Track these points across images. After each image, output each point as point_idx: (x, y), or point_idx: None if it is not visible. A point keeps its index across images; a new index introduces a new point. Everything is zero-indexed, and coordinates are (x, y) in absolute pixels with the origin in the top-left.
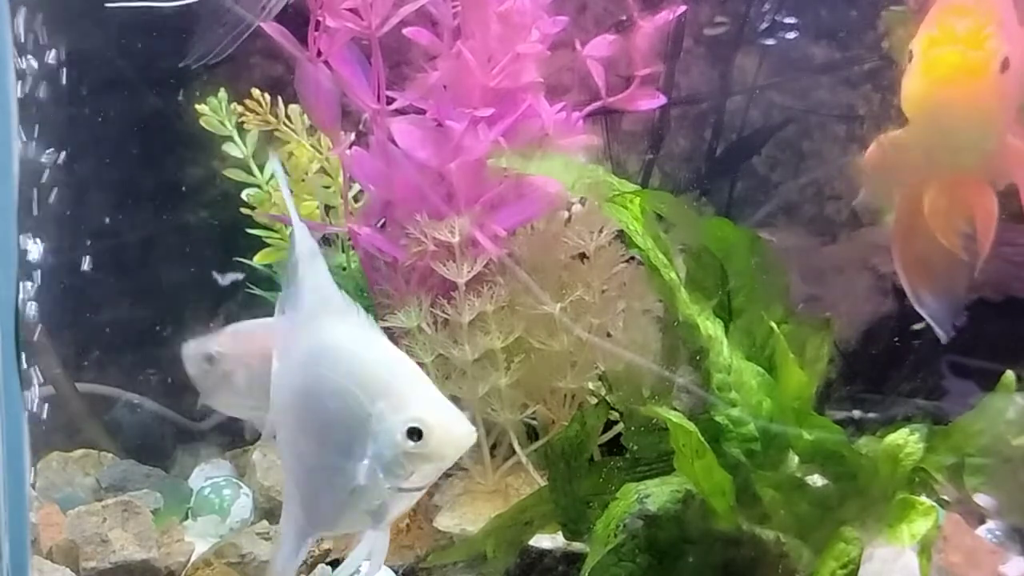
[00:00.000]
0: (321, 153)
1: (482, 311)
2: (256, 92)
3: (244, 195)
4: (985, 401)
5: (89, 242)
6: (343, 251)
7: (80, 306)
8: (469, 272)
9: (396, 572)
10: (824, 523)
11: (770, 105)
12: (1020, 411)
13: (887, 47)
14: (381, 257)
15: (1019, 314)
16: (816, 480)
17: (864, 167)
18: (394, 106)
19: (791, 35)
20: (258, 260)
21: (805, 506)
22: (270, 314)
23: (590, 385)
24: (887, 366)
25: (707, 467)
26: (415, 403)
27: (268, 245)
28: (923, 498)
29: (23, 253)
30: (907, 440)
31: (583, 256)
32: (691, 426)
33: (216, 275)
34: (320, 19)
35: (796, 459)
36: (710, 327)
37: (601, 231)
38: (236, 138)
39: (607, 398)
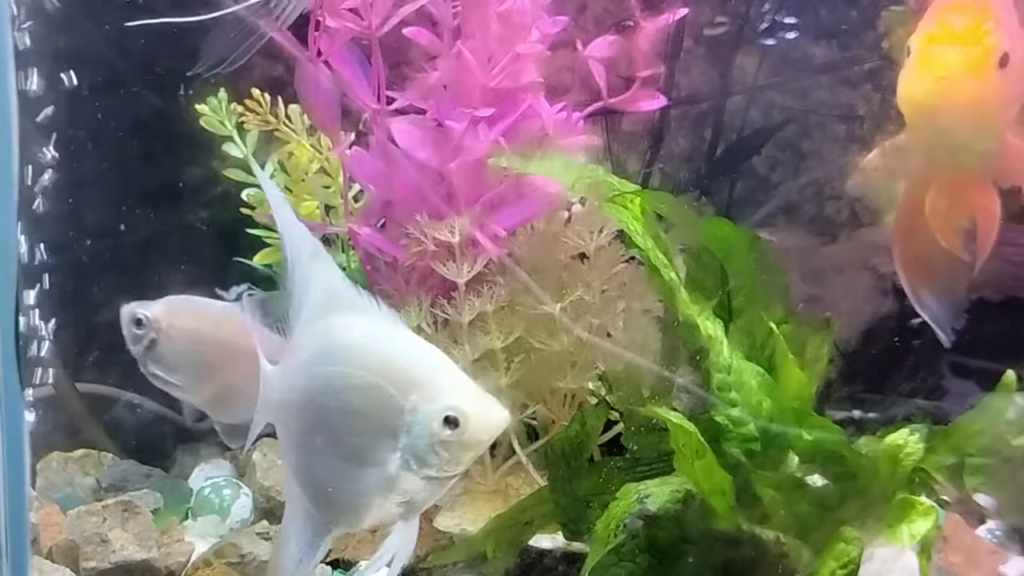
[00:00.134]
0: (321, 153)
1: (482, 311)
2: (256, 92)
3: (244, 195)
4: (985, 401)
5: (89, 242)
6: (343, 251)
7: (80, 306)
8: (469, 272)
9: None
10: (824, 523)
11: (770, 105)
12: (1020, 411)
13: (887, 47)
14: (381, 257)
15: (1019, 314)
16: (816, 480)
17: (864, 169)
18: (394, 106)
19: (791, 35)
20: (258, 260)
21: (805, 506)
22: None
23: (590, 385)
24: (887, 366)
25: (707, 467)
26: (449, 391)
27: (268, 245)
28: (923, 498)
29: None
30: (907, 440)
31: (583, 256)
32: (691, 426)
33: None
34: (320, 19)
35: (796, 459)
36: (710, 327)
37: (601, 231)
38: (236, 138)
39: (607, 398)
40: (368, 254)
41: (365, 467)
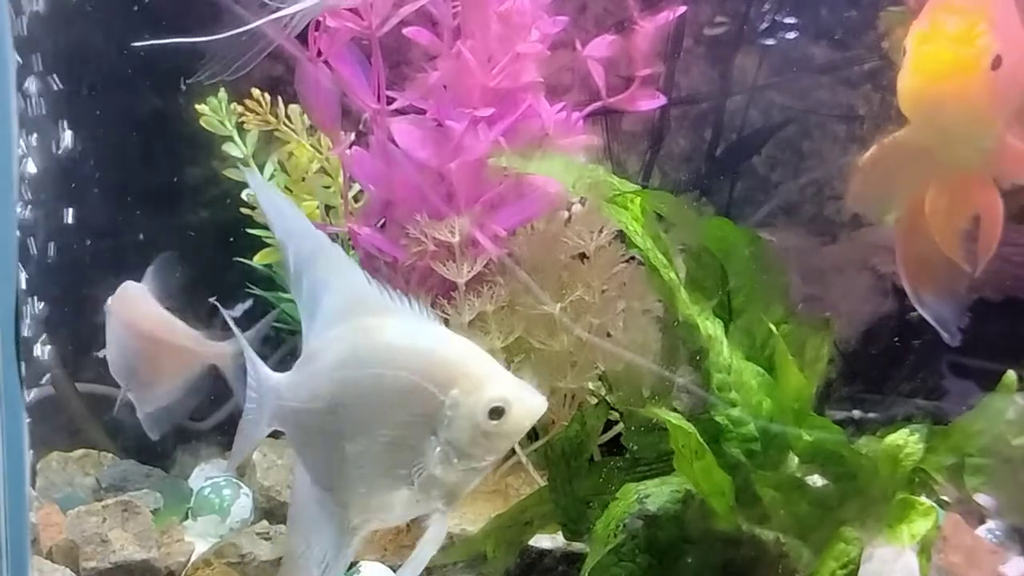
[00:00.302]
0: (321, 153)
1: (482, 311)
2: (256, 92)
3: (244, 195)
4: (985, 401)
5: (89, 241)
6: (343, 251)
7: (81, 306)
8: (469, 272)
9: (396, 572)
10: (824, 523)
11: (770, 105)
12: (1020, 411)
13: (887, 47)
14: (381, 257)
15: (1019, 314)
16: (816, 480)
17: (863, 168)
18: (394, 106)
19: (791, 35)
20: (258, 260)
21: (805, 506)
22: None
23: (590, 385)
24: (887, 366)
25: (706, 468)
26: (490, 383)
27: (268, 245)
28: (923, 498)
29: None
30: (907, 440)
31: (583, 256)
32: (690, 427)
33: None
34: (320, 19)
35: (796, 459)
36: (710, 327)
37: (601, 231)
38: (236, 138)
39: (607, 398)
40: (368, 254)
41: (403, 465)
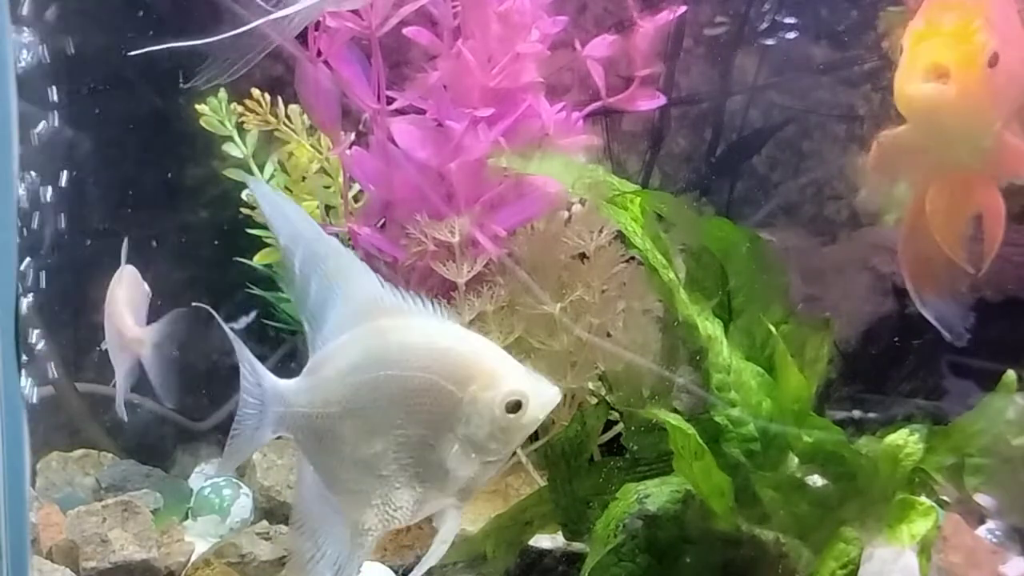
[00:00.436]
0: (321, 153)
1: (482, 311)
2: (256, 92)
3: (244, 195)
4: (985, 401)
5: (89, 241)
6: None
7: (81, 305)
8: (469, 272)
9: (396, 572)
10: (824, 523)
11: (770, 105)
12: (1020, 411)
13: (887, 47)
14: (381, 257)
15: (1019, 314)
16: (816, 480)
17: (867, 166)
18: (394, 106)
19: (791, 35)
20: (258, 260)
21: (805, 506)
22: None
23: (590, 385)
24: (887, 366)
25: (706, 469)
26: (507, 377)
27: (268, 245)
28: (923, 498)
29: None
30: (907, 440)
31: (583, 256)
32: (690, 428)
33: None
34: (320, 19)
35: (796, 459)
36: (710, 327)
37: (601, 231)
38: (236, 138)
39: (607, 398)
40: (368, 254)
41: (423, 464)
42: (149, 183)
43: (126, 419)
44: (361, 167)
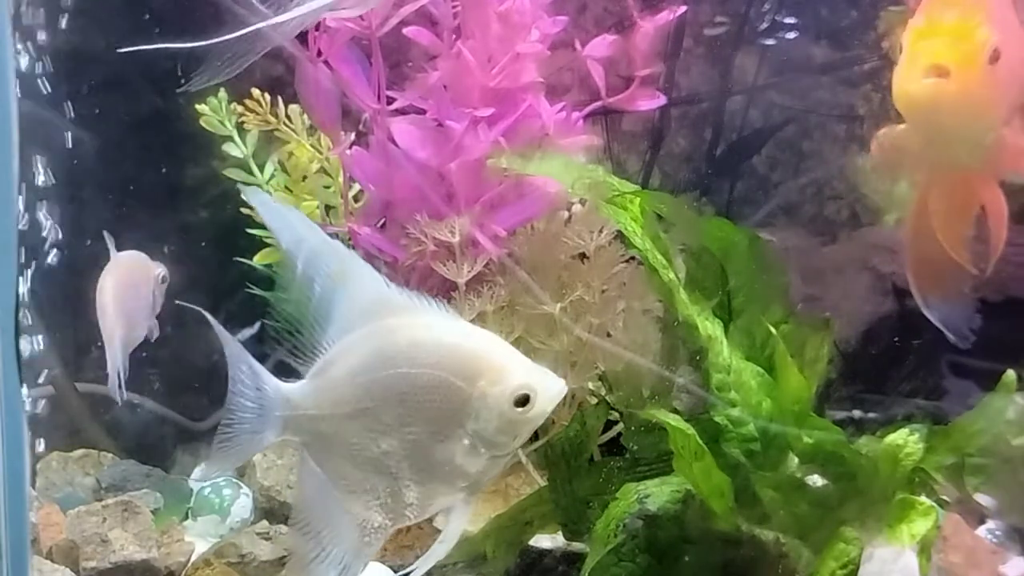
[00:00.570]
0: (321, 153)
1: (482, 311)
2: (256, 92)
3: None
4: (985, 401)
5: (89, 241)
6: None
7: (82, 305)
8: (469, 272)
9: (396, 572)
10: (824, 523)
11: (770, 105)
12: (1020, 411)
13: (887, 47)
14: (381, 257)
15: (1019, 314)
16: (816, 480)
17: (867, 165)
18: (394, 106)
19: (791, 35)
20: (258, 260)
21: (805, 506)
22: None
23: (590, 385)
24: (887, 366)
25: (706, 469)
26: (515, 372)
27: (268, 245)
28: (923, 498)
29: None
30: (907, 440)
31: (583, 256)
32: (689, 429)
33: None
34: (320, 19)
35: (796, 459)
36: (709, 327)
37: (601, 231)
38: (236, 138)
39: (607, 398)
40: (368, 254)
41: (432, 460)
42: (149, 183)
43: (120, 402)
44: (361, 167)
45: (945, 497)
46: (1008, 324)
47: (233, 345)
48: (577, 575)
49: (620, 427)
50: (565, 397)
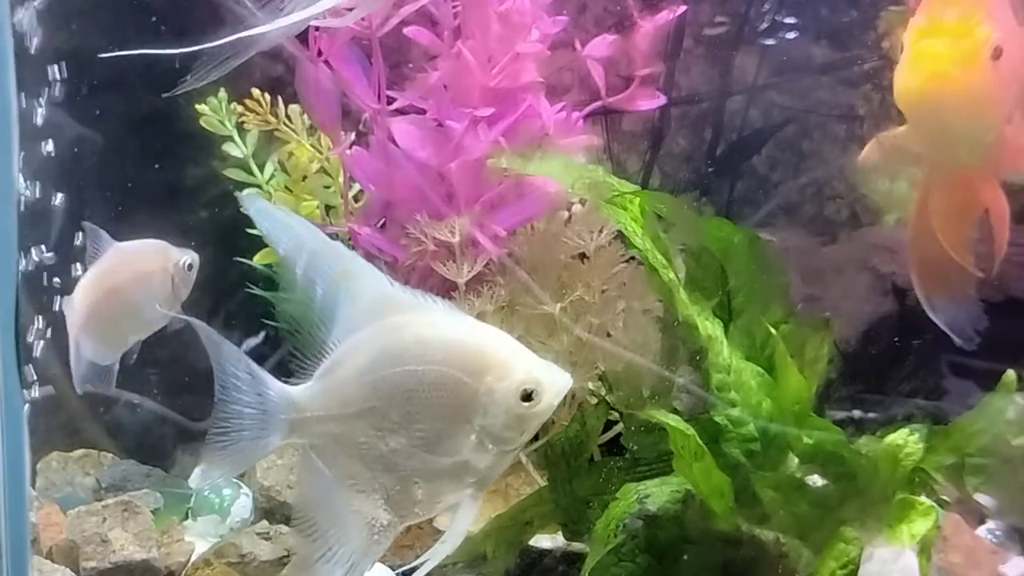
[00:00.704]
0: (321, 153)
1: (482, 311)
2: (256, 92)
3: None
4: (985, 401)
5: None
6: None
7: None
8: (469, 272)
9: (396, 572)
10: (824, 523)
11: (770, 105)
12: (1020, 411)
13: (887, 47)
14: (381, 257)
15: (1019, 314)
16: (816, 480)
17: (861, 165)
18: (394, 106)
19: (791, 35)
20: (258, 260)
21: (805, 506)
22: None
23: (590, 385)
24: (887, 366)
25: (705, 469)
26: (520, 366)
27: (268, 245)
28: (923, 498)
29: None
30: (907, 440)
31: (583, 256)
32: (689, 429)
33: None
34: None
35: (796, 459)
36: (709, 327)
37: (601, 231)
38: (236, 138)
39: (607, 398)
40: (368, 254)
41: (441, 457)
42: (148, 183)
43: (79, 393)
44: (361, 167)
45: (945, 497)
46: (1008, 324)
47: (231, 350)
48: (577, 575)
49: (620, 427)
50: (565, 397)
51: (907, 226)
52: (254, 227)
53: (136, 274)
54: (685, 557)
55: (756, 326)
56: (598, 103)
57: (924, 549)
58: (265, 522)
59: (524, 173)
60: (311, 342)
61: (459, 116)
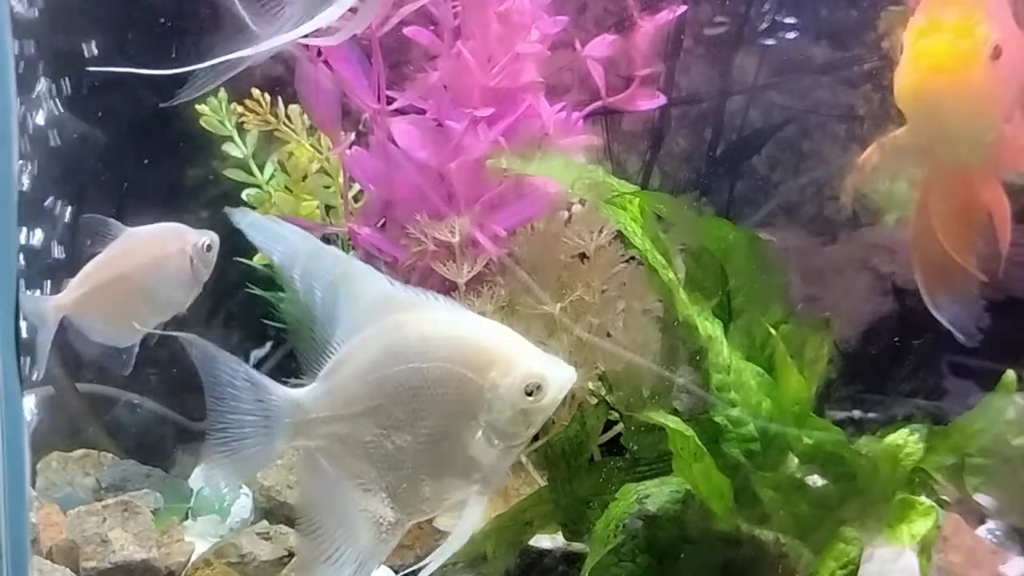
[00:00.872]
0: (321, 153)
1: (482, 311)
2: (256, 92)
3: (244, 195)
4: (985, 401)
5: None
6: (343, 251)
7: None
8: (469, 272)
9: (396, 572)
10: (824, 523)
11: (770, 105)
12: (1020, 411)
13: (887, 47)
14: (381, 257)
15: (1019, 314)
16: (816, 480)
17: (861, 167)
18: (394, 106)
19: (791, 35)
20: (258, 260)
21: (805, 507)
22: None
23: (590, 385)
24: (887, 366)
25: (705, 470)
26: (524, 361)
27: None
28: (923, 498)
29: None
30: (907, 440)
31: (583, 256)
32: (689, 430)
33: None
34: None
35: (796, 460)
36: (709, 327)
37: (601, 231)
38: (236, 138)
39: (607, 398)
40: (368, 254)
41: (447, 454)
42: (148, 183)
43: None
44: (361, 167)
45: (945, 497)
46: (1008, 324)
47: (228, 360)
48: (577, 575)
49: (620, 427)
50: (565, 397)
51: (908, 225)
52: None
53: (152, 257)
54: (685, 557)
55: (756, 326)
56: (598, 103)
57: (924, 549)
58: (265, 522)
59: (524, 173)
60: (313, 344)
61: (459, 116)
